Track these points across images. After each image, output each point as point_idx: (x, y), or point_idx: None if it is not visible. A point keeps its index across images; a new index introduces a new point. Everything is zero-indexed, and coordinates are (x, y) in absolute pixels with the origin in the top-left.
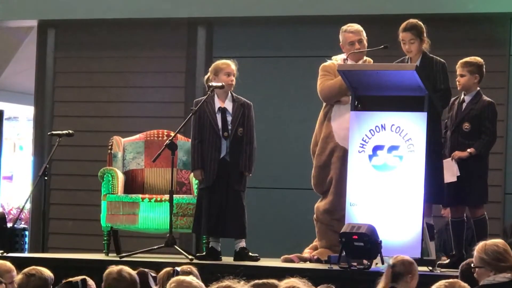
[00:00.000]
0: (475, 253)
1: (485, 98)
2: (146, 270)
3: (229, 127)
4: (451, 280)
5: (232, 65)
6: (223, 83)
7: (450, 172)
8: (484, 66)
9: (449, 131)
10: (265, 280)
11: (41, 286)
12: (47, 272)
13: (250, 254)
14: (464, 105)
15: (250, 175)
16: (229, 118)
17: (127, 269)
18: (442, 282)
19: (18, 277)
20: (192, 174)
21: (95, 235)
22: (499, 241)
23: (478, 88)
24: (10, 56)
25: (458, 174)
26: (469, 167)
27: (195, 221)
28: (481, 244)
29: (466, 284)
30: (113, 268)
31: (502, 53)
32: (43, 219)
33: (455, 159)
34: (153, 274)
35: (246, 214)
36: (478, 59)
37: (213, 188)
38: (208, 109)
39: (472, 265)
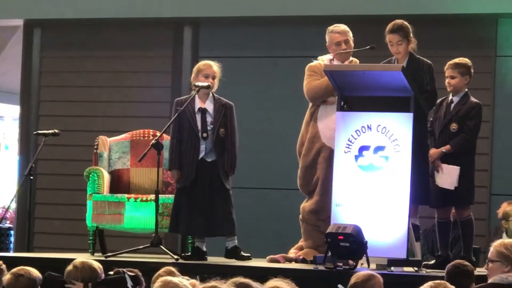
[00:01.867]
0: (491, 248)
1: (473, 99)
2: (122, 269)
3: (209, 128)
4: (438, 281)
5: (213, 66)
6: (209, 84)
7: (449, 179)
8: (472, 67)
9: (437, 132)
10: (243, 281)
11: (29, 286)
12: (35, 273)
13: (243, 253)
14: (453, 106)
15: (233, 175)
16: (209, 119)
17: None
18: (429, 283)
19: (6, 277)
20: None
21: (81, 235)
22: None
23: (466, 89)
24: None
25: (456, 185)
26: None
27: (172, 220)
28: (499, 240)
29: (452, 286)
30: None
31: (488, 54)
32: (29, 218)
33: (432, 160)
34: (131, 274)
35: (234, 211)
36: (467, 60)
37: (192, 188)
38: (188, 109)
39: (486, 260)
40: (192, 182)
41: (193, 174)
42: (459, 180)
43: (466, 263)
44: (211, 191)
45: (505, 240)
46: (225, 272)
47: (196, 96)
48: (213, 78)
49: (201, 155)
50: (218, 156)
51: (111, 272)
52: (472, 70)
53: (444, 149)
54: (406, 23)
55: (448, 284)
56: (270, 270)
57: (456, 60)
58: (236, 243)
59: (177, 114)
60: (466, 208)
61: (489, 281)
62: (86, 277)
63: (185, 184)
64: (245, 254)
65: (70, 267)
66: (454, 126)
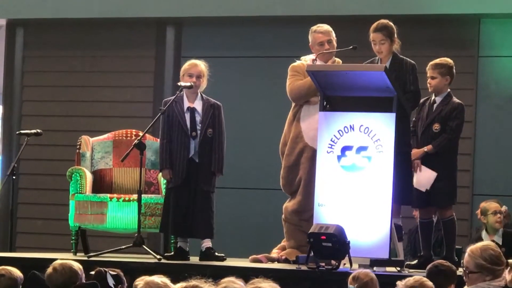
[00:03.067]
0: (467, 258)
1: (455, 99)
2: (104, 269)
3: (198, 127)
4: (417, 277)
5: (198, 65)
6: (191, 83)
7: (424, 182)
8: (454, 67)
9: (419, 132)
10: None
11: (10, 286)
12: (16, 272)
13: (216, 254)
14: (435, 106)
15: (220, 176)
16: (198, 118)
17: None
18: (408, 279)
19: None
20: (160, 173)
21: (63, 235)
22: (489, 243)
23: (449, 90)
24: None
25: (428, 189)
26: (438, 168)
27: (163, 220)
28: (473, 248)
29: (430, 283)
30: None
31: (470, 54)
32: (11, 218)
33: (413, 159)
34: (113, 273)
35: (214, 215)
36: (449, 60)
37: (181, 188)
38: (177, 108)
39: (464, 269)
40: (182, 182)
41: (184, 173)
42: (441, 180)
43: (446, 263)
44: (196, 192)
45: (479, 246)
46: (207, 272)
47: (185, 95)
48: (198, 77)
49: (191, 153)
50: (205, 156)
51: (93, 272)
52: (454, 71)
53: (426, 149)
54: (391, 23)
55: (424, 279)
56: (252, 270)
57: (437, 60)
58: (209, 244)
59: (159, 114)
60: (448, 208)
61: None
62: (66, 279)
63: (176, 184)
64: (219, 255)
65: (50, 270)
66: (436, 127)
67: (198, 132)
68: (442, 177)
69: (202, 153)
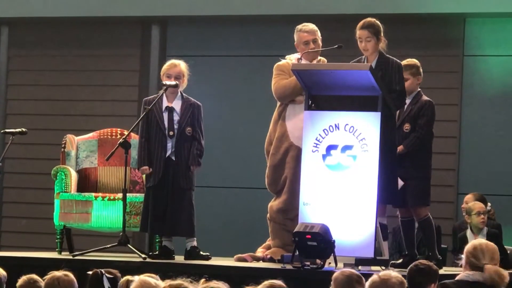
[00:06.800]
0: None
1: (425, 97)
2: (100, 270)
3: (175, 127)
4: (384, 272)
5: (178, 66)
6: (177, 82)
7: None
8: (420, 67)
9: None
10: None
11: None
12: (0, 271)
13: (201, 253)
14: (405, 106)
15: (198, 168)
16: (176, 118)
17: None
18: (376, 275)
19: None
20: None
21: (48, 234)
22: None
23: (419, 89)
24: None
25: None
26: (411, 168)
27: (142, 219)
28: (470, 244)
29: (398, 274)
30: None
31: (455, 53)
32: None
33: None
34: (109, 276)
35: (194, 212)
36: (415, 60)
37: (159, 187)
38: (156, 108)
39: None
40: (159, 181)
41: (161, 172)
42: (414, 180)
43: (427, 262)
44: (174, 190)
45: (476, 242)
46: (192, 271)
47: (164, 95)
48: (177, 77)
49: (168, 153)
50: (183, 154)
51: (90, 272)
52: (421, 70)
53: (398, 149)
54: (377, 21)
55: (394, 275)
56: (237, 269)
57: (405, 61)
58: (194, 243)
59: (144, 113)
60: (421, 208)
61: (456, 278)
62: None
63: (154, 183)
64: (204, 254)
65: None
66: (406, 127)
67: (176, 131)
68: (415, 177)
69: (179, 151)
